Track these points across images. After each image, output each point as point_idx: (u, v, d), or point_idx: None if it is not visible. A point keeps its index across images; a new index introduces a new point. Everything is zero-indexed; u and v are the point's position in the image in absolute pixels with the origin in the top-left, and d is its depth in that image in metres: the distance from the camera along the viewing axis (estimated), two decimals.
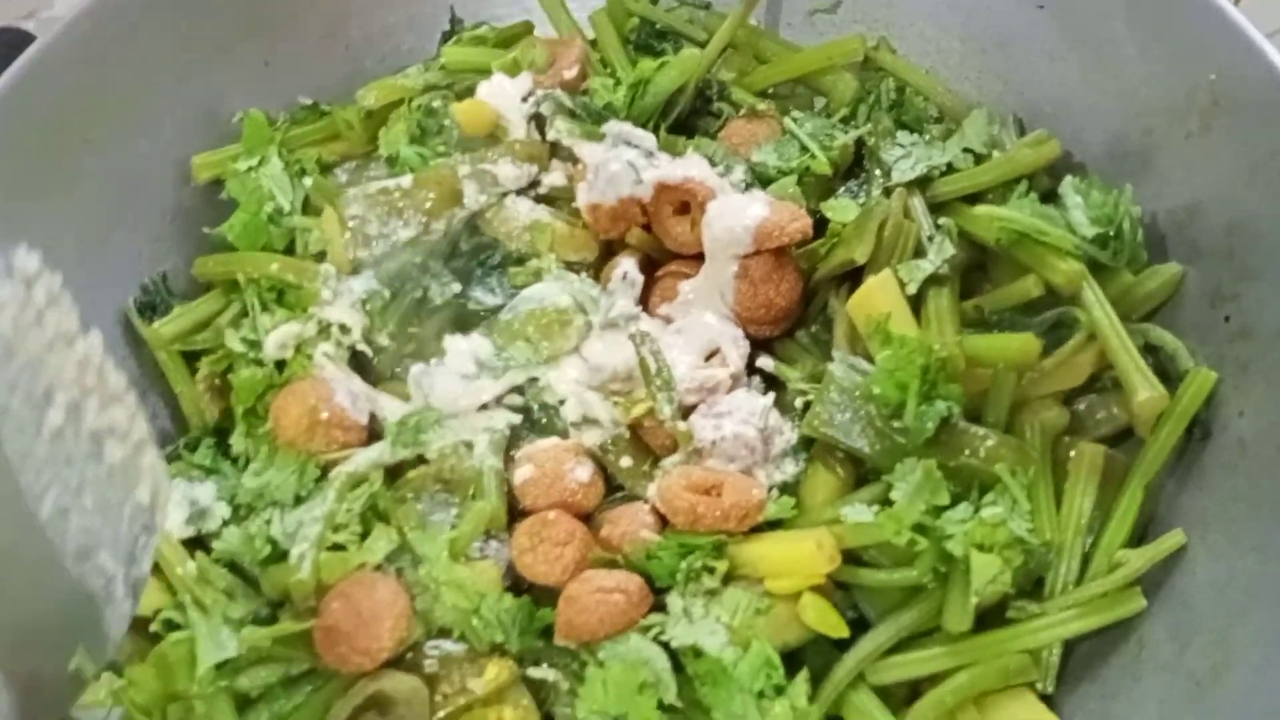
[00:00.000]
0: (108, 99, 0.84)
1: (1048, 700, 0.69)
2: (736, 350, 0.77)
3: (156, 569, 0.70)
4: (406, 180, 0.82)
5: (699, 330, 0.78)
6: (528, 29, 0.94)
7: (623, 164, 0.79)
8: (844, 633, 0.67)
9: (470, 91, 0.88)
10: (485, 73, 0.88)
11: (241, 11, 0.89)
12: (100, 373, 0.61)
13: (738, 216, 0.76)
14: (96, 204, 0.84)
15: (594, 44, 0.92)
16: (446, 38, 0.95)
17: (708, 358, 0.77)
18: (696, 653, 0.65)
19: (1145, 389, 0.68)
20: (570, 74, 0.86)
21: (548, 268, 0.81)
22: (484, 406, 0.77)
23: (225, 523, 0.74)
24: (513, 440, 0.76)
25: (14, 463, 0.56)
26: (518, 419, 0.77)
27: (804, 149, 0.82)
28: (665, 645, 0.66)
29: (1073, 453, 0.71)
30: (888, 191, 0.79)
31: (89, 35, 0.82)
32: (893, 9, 0.89)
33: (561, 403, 0.77)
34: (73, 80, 0.82)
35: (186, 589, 0.70)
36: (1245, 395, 0.70)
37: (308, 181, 0.86)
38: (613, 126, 0.83)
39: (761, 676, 0.64)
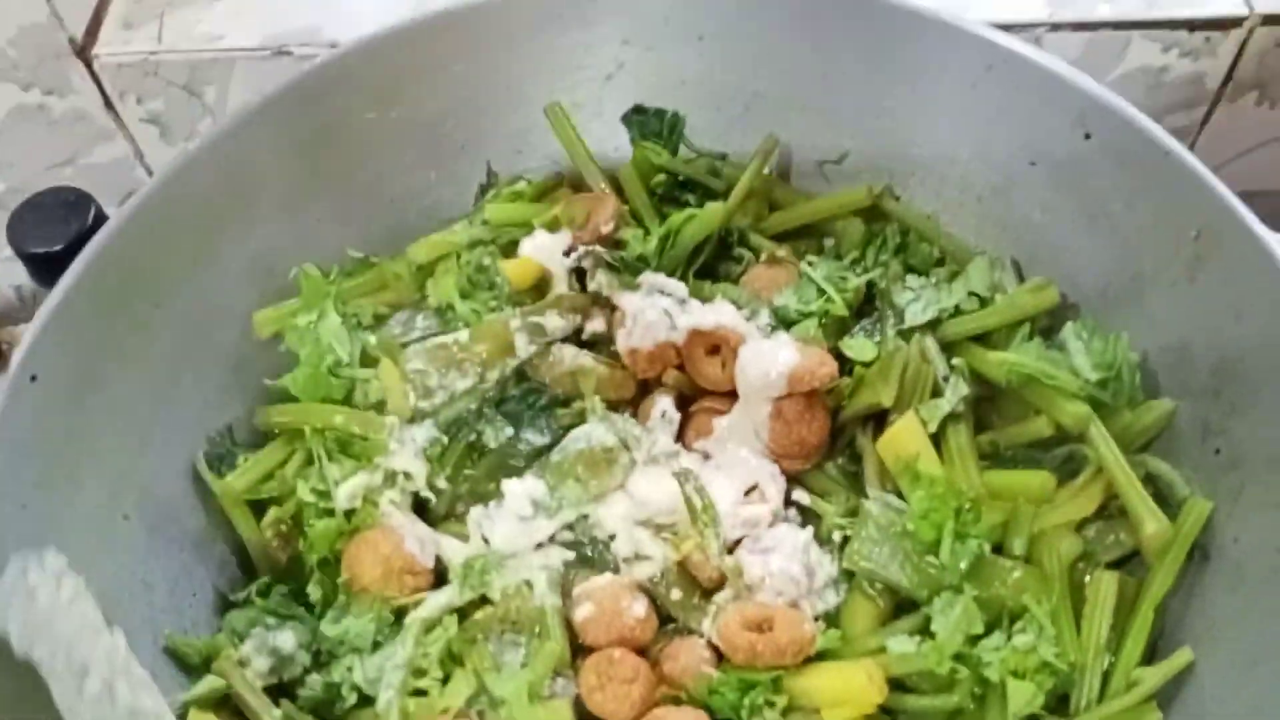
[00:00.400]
0: (176, 264, 0.89)
1: None
2: (775, 486, 0.83)
3: None
4: (464, 335, 0.88)
5: (737, 466, 0.84)
6: (560, 182, 1.01)
7: (658, 312, 0.87)
8: None
9: (513, 244, 0.95)
10: (526, 227, 0.95)
11: (298, 174, 0.95)
12: (127, 666, 0.68)
13: (770, 363, 0.83)
14: (165, 361, 0.89)
15: (621, 196, 0.99)
16: (483, 190, 1.02)
17: (746, 493, 0.84)
18: None
19: (1152, 522, 0.76)
20: (607, 229, 0.93)
21: (592, 408, 0.87)
22: (539, 545, 0.84)
23: (307, 670, 0.79)
24: (565, 576, 0.83)
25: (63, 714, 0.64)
26: (571, 555, 0.83)
27: (820, 292, 0.90)
28: None
29: (1088, 578, 0.78)
30: (901, 333, 0.86)
31: (160, 208, 0.87)
32: (895, 160, 0.97)
33: (612, 538, 0.83)
34: (148, 250, 0.87)
35: None
36: (1239, 521, 0.77)
37: (368, 336, 0.92)
38: (648, 278, 0.90)
39: None
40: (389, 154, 0.99)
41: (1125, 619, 0.77)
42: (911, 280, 0.89)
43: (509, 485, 0.84)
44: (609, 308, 0.91)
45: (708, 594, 0.80)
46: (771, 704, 0.73)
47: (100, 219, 1.01)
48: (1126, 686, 0.75)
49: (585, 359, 0.89)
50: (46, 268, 0.99)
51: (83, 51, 1.10)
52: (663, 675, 0.77)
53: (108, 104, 1.13)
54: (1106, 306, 0.87)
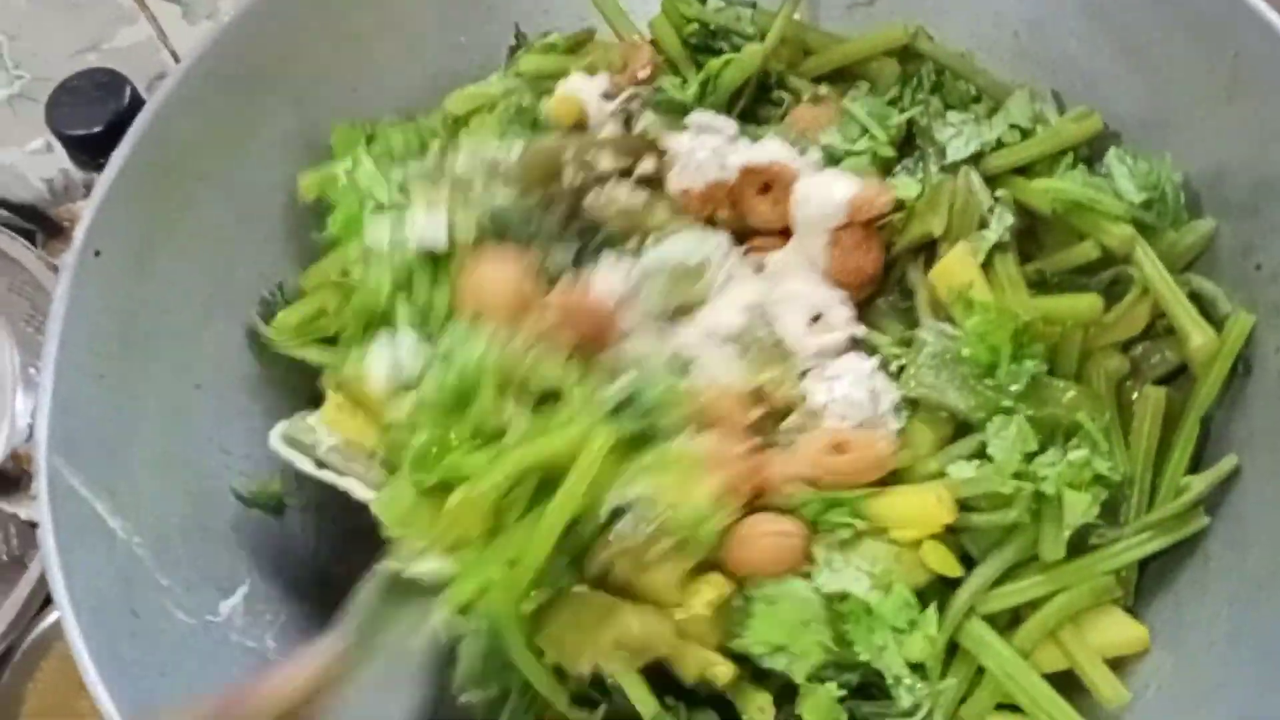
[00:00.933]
0: (218, 139, 0.91)
1: (1129, 612, 0.79)
2: (841, 312, 0.85)
3: None
4: (515, 148, 0.89)
5: (799, 299, 0.86)
6: (591, 35, 1.02)
7: (708, 151, 0.88)
8: (959, 572, 0.77)
9: (548, 94, 0.95)
10: (561, 76, 0.95)
11: (331, 44, 0.96)
12: None
13: (830, 192, 0.85)
14: (218, 233, 0.91)
15: (655, 47, 0.99)
16: (513, 52, 1.02)
17: (812, 321, 0.86)
18: (843, 597, 0.74)
19: (1199, 335, 0.78)
20: (644, 74, 0.94)
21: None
22: None
23: None
24: None
25: None
26: None
27: (864, 130, 0.91)
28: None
29: (1136, 395, 0.81)
30: (944, 168, 0.88)
31: (197, 85, 0.89)
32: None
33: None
34: (189, 126, 0.88)
35: None
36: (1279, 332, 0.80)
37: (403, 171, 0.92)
38: (695, 117, 0.91)
39: (903, 614, 0.74)
40: (419, 18, 1.00)
41: (1172, 431, 0.80)
42: (952, 116, 0.90)
43: (603, 258, 0.86)
44: (657, 152, 0.92)
45: (778, 420, 0.83)
46: (850, 524, 0.76)
47: (136, 99, 1.02)
48: (1175, 494, 0.78)
49: (641, 196, 0.90)
50: (88, 149, 1.01)
51: None
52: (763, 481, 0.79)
53: None
54: (1146, 133, 0.88)
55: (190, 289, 0.89)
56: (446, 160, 0.92)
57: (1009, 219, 0.83)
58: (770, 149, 0.88)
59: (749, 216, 0.89)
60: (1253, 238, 0.81)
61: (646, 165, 0.91)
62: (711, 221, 0.91)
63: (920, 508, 0.76)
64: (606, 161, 0.90)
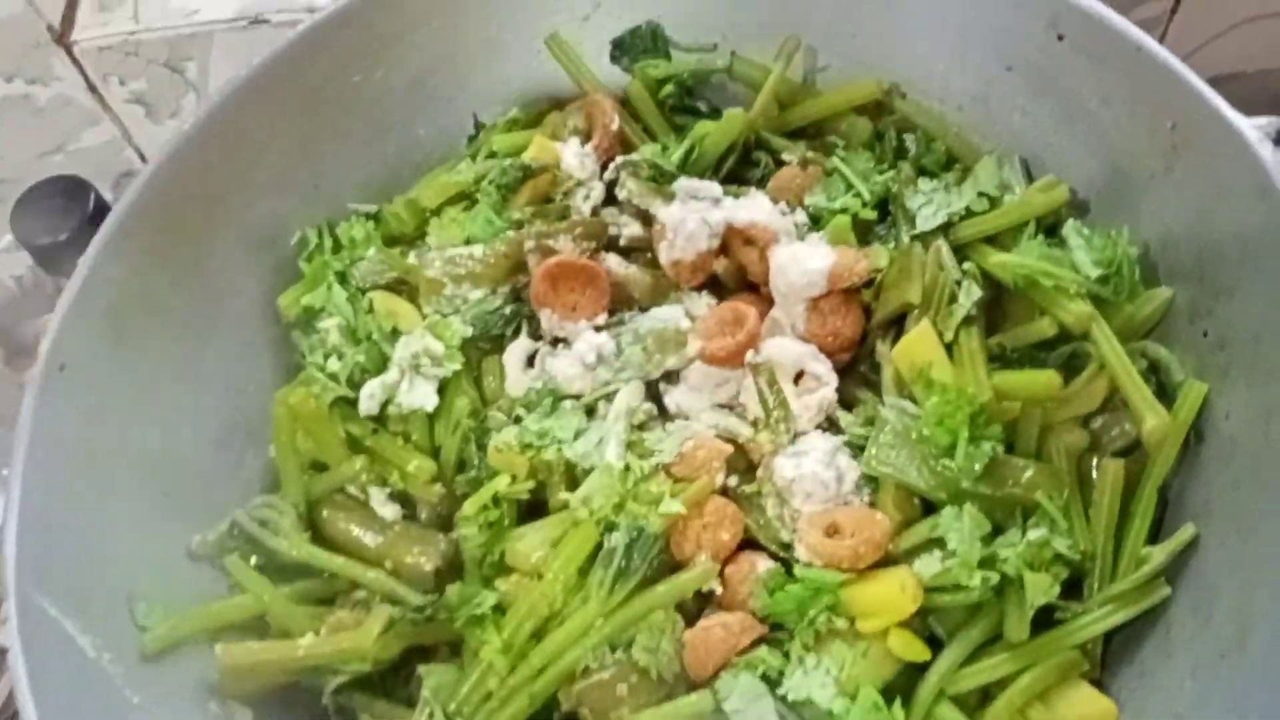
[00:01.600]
0: (184, 244, 0.92)
1: (1095, 684, 0.80)
2: (823, 365, 0.87)
3: None
4: (478, 250, 0.92)
5: (784, 356, 0.88)
6: (552, 106, 1.04)
7: (698, 221, 0.90)
8: (927, 656, 0.77)
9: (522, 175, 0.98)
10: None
11: (292, 141, 0.97)
12: None
13: (808, 262, 0.87)
14: (185, 338, 0.93)
15: (631, 114, 1.02)
16: (471, 140, 1.04)
17: (796, 381, 0.88)
18: (810, 702, 0.75)
19: (1152, 417, 0.80)
20: (614, 125, 0.97)
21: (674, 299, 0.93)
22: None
23: None
24: None
25: None
26: None
27: (849, 187, 0.93)
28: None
29: (1095, 470, 0.82)
30: (914, 237, 0.89)
31: (160, 193, 0.90)
32: (875, 73, 0.98)
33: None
34: (153, 235, 0.90)
35: None
36: (1229, 398, 0.80)
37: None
38: (682, 184, 0.94)
39: (870, 718, 0.74)
40: (380, 114, 1.01)
41: (1131, 501, 0.81)
42: (923, 184, 0.92)
43: (582, 332, 0.90)
44: (640, 215, 0.94)
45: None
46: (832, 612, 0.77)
47: (101, 204, 1.03)
48: (1136, 565, 0.79)
49: (632, 270, 0.93)
50: (53, 256, 1.01)
51: (61, 37, 1.10)
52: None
53: (91, 88, 1.14)
54: (1098, 203, 0.90)
55: (159, 396, 0.90)
56: (411, 261, 0.94)
57: (976, 292, 0.85)
58: (754, 206, 0.91)
59: (739, 258, 0.92)
60: (1198, 304, 0.83)
61: (632, 229, 0.93)
62: (704, 286, 0.93)
63: (886, 596, 0.76)
64: (567, 246, 0.91)
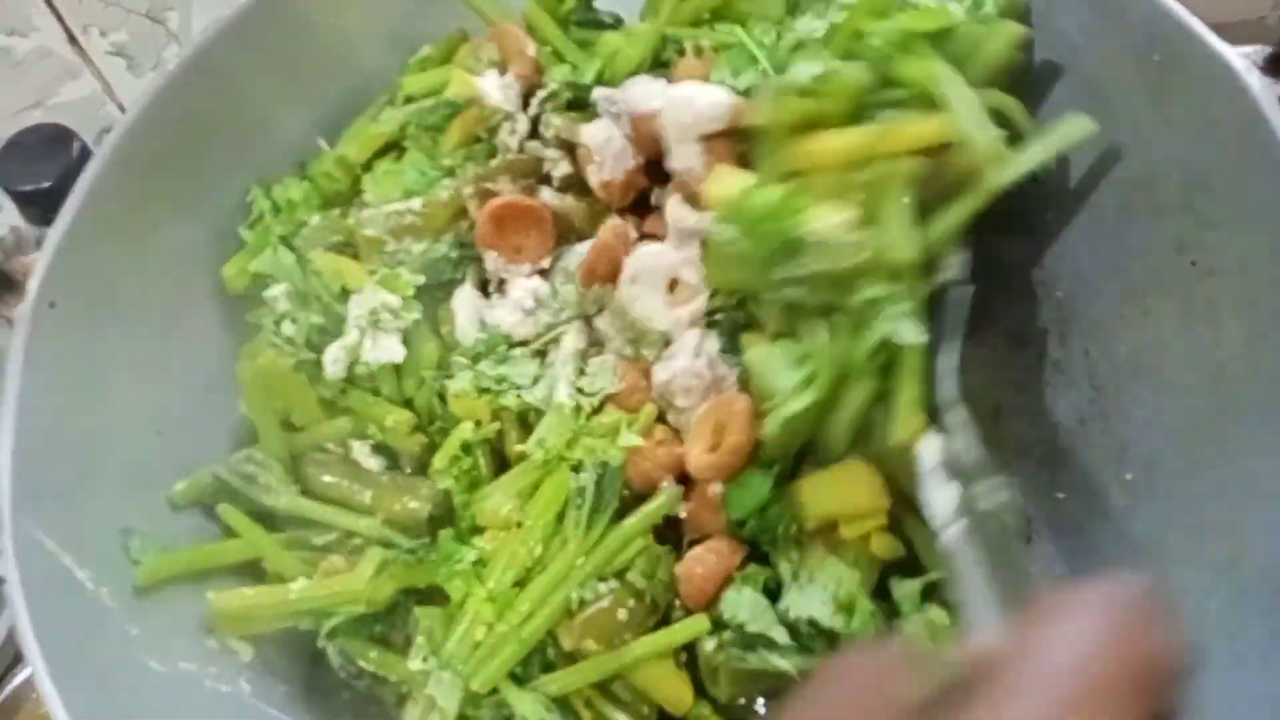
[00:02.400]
0: (166, 189, 0.92)
1: None
2: (697, 275, 0.87)
3: None
4: (416, 203, 0.92)
5: (661, 261, 0.88)
6: (464, 37, 1.04)
7: (621, 140, 0.90)
8: (903, 553, 0.80)
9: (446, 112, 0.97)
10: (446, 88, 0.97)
11: (274, 87, 0.98)
12: None
13: (704, 98, 0.85)
14: (171, 280, 0.93)
15: (533, 36, 1.00)
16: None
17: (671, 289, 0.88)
18: (811, 620, 0.77)
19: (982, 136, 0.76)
20: (530, 51, 0.97)
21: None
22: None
23: None
24: None
25: None
26: None
27: (754, 61, 0.90)
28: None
29: None
30: None
31: (144, 136, 0.90)
32: None
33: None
34: (136, 179, 0.90)
35: None
36: (1217, 327, 0.82)
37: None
38: (598, 93, 0.93)
39: (871, 624, 0.75)
40: (360, 58, 1.02)
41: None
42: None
43: (515, 279, 0.90)
44: (567, 149, 0.94)
45: None
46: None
47: (85, 152, 1.02)
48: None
49: (568, 200, 0.94)
50: (38, 204, 1.01)
51: None
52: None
53: (71, 39, 1.13)
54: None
55: (149, 335, 0.90)
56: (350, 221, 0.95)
57: None
58: (648, 94, 0.89)
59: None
60: (1186, 235, 0.84)
61: (562, 167, 0.93)
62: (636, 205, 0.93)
63: (852, 496, 0.78)
64: (507, 188, 0.91)
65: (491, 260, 0.91)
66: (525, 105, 0.97)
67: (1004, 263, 0.90)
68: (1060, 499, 0.90)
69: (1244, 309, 0.80)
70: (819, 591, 0.76)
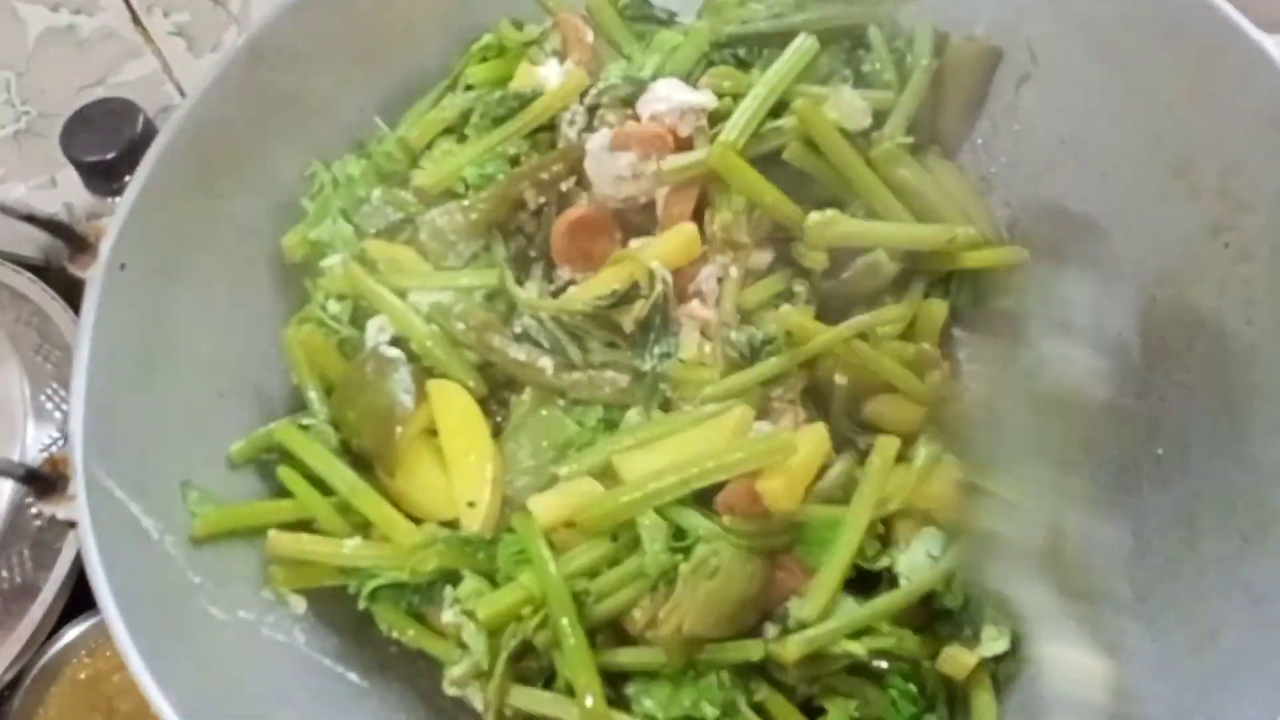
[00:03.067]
0: (235, 156, 0.96)
1: None
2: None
3: None
4: (468, 204, 0.95)
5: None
6: (519, 26, 1.06)
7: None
8: None
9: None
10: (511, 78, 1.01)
11: (336, 68, 1.01)
12: None
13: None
14: (238, 247, 0.96)
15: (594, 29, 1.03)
16: None
17: None
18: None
19: None
20: (589, 39, 1.00)
21: None
22: None
23: None
24: None
25: None
26: None
27: None
28: None
29: None
30: None
31: (209, 113, 0.93)
32: None
33: None
34: (209, 144, 0.93)
35: None
36: (1251, 306, 0.84)
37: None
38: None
39: None
40: (418, 41, 1.05)
41: None
42: None
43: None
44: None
45: None
46: None
47: (150, 126, 1.06)
48: None
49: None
50: (102, 174, 1.04)
51: None
52: None
53: (135, 19, 1.16)
54: (1116, 128, 0.93)
55: (212, 301, 0.93)
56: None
57: None
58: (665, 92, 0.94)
59: None
60: (1221, 219, 0.86)
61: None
62: None
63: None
64: (564, 177, 0.95)
65: (567, 271, 0.94)
66: (583, 98, 0.99)
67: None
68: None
69: (1276, 290, 0.82)
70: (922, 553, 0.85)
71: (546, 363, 0.89)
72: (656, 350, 0.88)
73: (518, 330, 0.90)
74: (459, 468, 0.88)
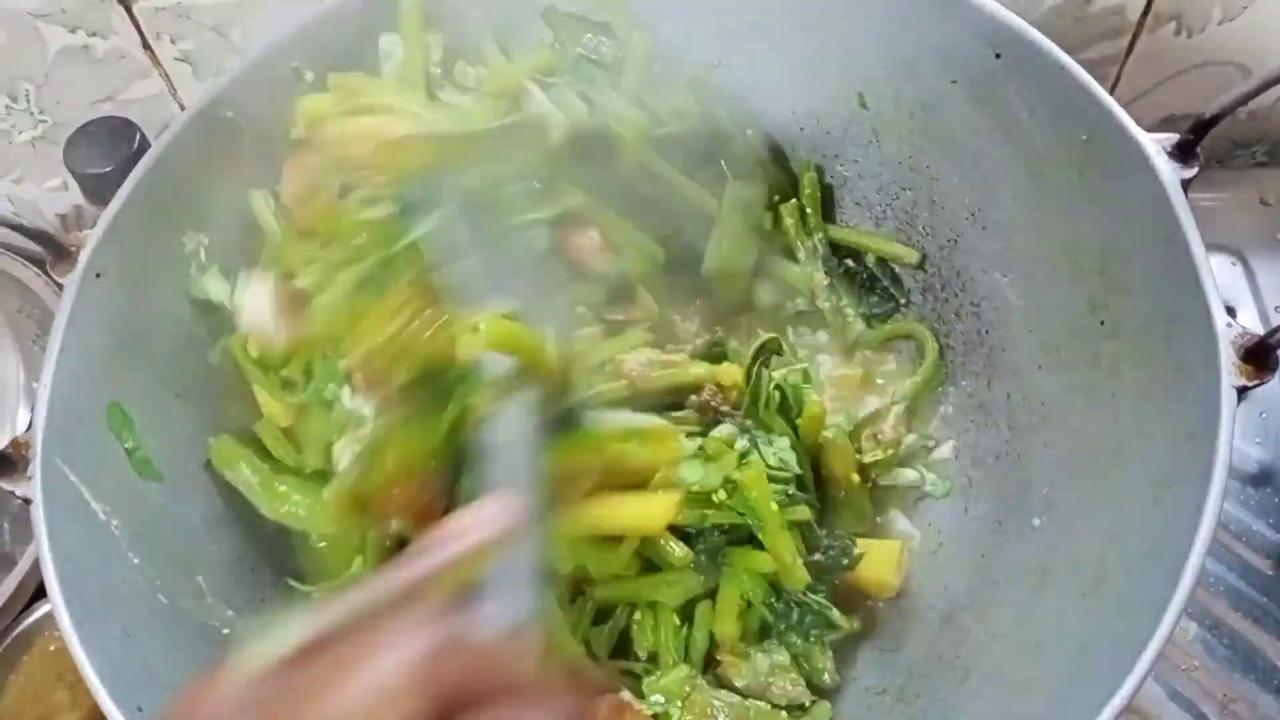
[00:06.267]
0: (213, 183, 1.03)
1: None
2: None
3: None
4: None
5: None
6: None
7: None
8: None
9: None
10: None
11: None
12: None
13: None
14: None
15: None
16: None
17: None
18: None
19: None
20: None
21: None
22: None
23: None
24: None
25: None
26: None
27: None
28: None
29: None
30: None
31: (196, 134, 1.01)
32: (839, 82, 1.10)
33: None
34: (186, 171, 1.01)
35: None
36: (1117, 380, 0.91)
37: None
38: None
39: None
40: None
41: None
42: None
43: None
44: None
45: None
46: None
47: (144, 143, 1.15)
48: None
49: None
50: (99, 186, 1.13)
51: None
52: None
53: (145, 44, 1.26)
54: (1019, 207, 1.01)
55: (177, 313, 1.01)
56: None
57: None
58: None
59: None
60: (1098, 297, 0.93)
61: None
62: None
63: None
64: None
65: None
66: None
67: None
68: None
69: (1139, 367, 0.89)
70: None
71: None
72: None
73: None
74: None
